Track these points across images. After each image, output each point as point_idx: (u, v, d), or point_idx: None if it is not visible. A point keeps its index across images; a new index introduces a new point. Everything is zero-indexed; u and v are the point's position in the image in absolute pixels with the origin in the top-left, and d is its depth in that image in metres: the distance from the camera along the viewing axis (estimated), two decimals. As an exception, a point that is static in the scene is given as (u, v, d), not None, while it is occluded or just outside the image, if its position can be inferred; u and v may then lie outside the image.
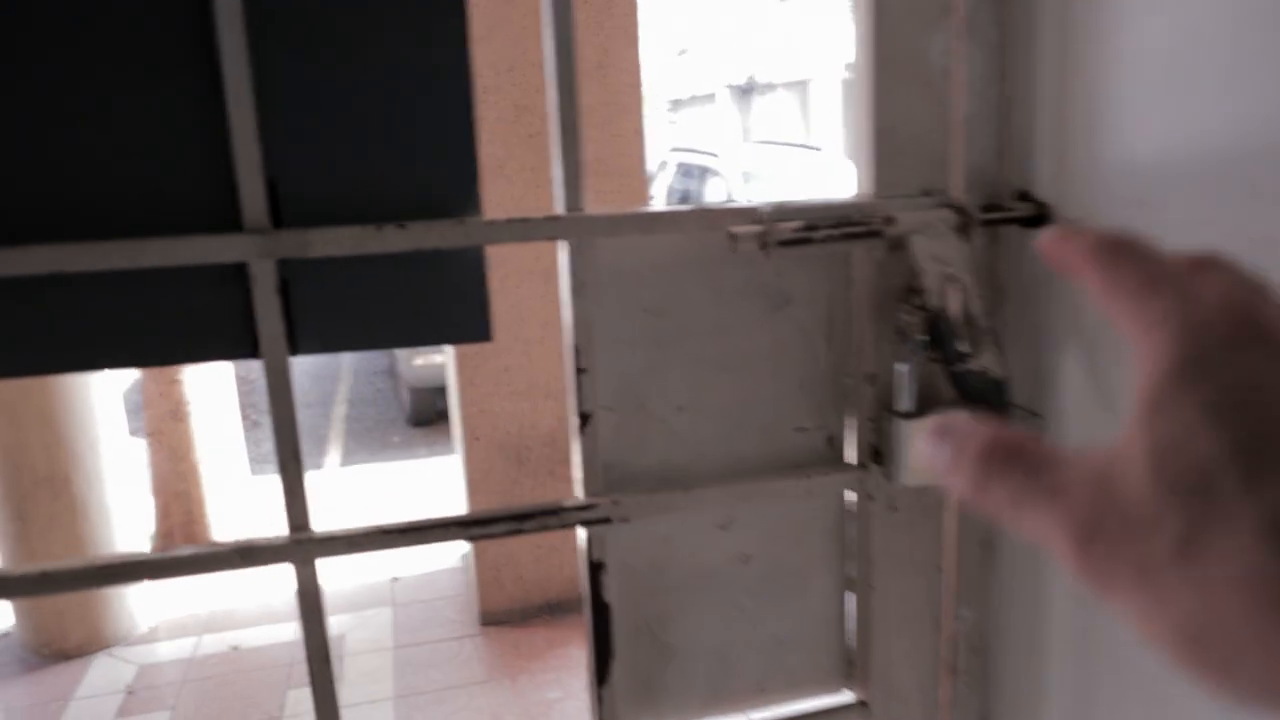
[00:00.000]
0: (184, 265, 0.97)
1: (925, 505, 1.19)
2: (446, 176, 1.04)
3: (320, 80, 1.00)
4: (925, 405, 1.12)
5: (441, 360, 6.71)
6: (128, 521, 4.56)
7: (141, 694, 4.16)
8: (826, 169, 11.15)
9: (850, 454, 1.18)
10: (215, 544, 1.04)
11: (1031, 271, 1.10)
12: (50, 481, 4.29)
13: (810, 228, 1.04)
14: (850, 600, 1.22)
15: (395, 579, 5.04)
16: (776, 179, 10.67)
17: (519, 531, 1.09)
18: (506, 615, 4.58)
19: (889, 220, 1.05)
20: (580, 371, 1.09)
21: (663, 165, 12.01)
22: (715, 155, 11.34)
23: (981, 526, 1.22)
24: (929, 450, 0.48)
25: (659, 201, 11.26)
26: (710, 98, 21.25)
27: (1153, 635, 0.39)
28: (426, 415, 7.95)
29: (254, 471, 5.97)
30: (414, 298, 1.07)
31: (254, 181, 0.98)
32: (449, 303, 1.08)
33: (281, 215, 1.01)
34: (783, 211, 1.06)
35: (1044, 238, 0.49)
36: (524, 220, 1.02)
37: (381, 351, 9.53)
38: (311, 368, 9.90)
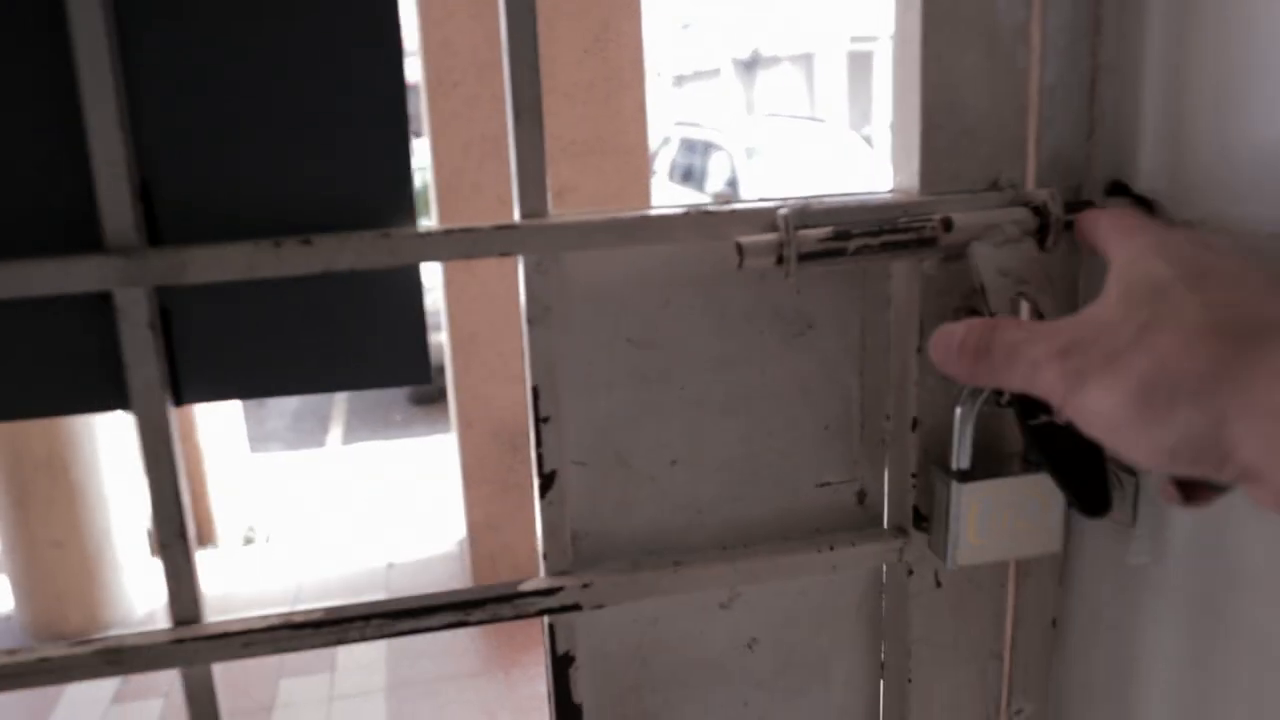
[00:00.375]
0: (32, 297, 0.72)
1: (978, 580, 0.93)
2: (370, 179, 0.78)
3: (205, 54, 0.74)
4: (988, 462, 0.86)
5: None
6: (126, 506, 4.49)
7: (136, 680, 4.04)
8: (832, 142, 10.96)
9: (885, 515, 0.92)
10: (82, 643, 0.78)
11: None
12: (49, 466, 4.24)
13: (842, 235, 0.77)
14: (883, 695, 0.96)
15: (391, 565, 4.93)
16: (781, 154, 10.46)
17: (463, 623, 0.84)
18: (502, 603, 4.37)
19: (945, 224, 0.78)
20: (542, 421, 0.83)
21: (665, 141, 11.80)
22: (719, 130, 11.12)
23: (1049, 601, 0.96)
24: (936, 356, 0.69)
25: (661, 177, 11.07)
26: (714, 72, 20.87)
27: (1110, 406, 0.55)
28: (428, 394, 7.84)
29: (253, 450, 5.88)
30: (330, 333, 0.82)
31: (118, 186, 0.73)
32: (375, 338, 0.83)
33: (159, 230, 0.75)
34: (806, 215, 0.79)
35: (1084, 218, 0.73)
36: (468, 231, 0.76)
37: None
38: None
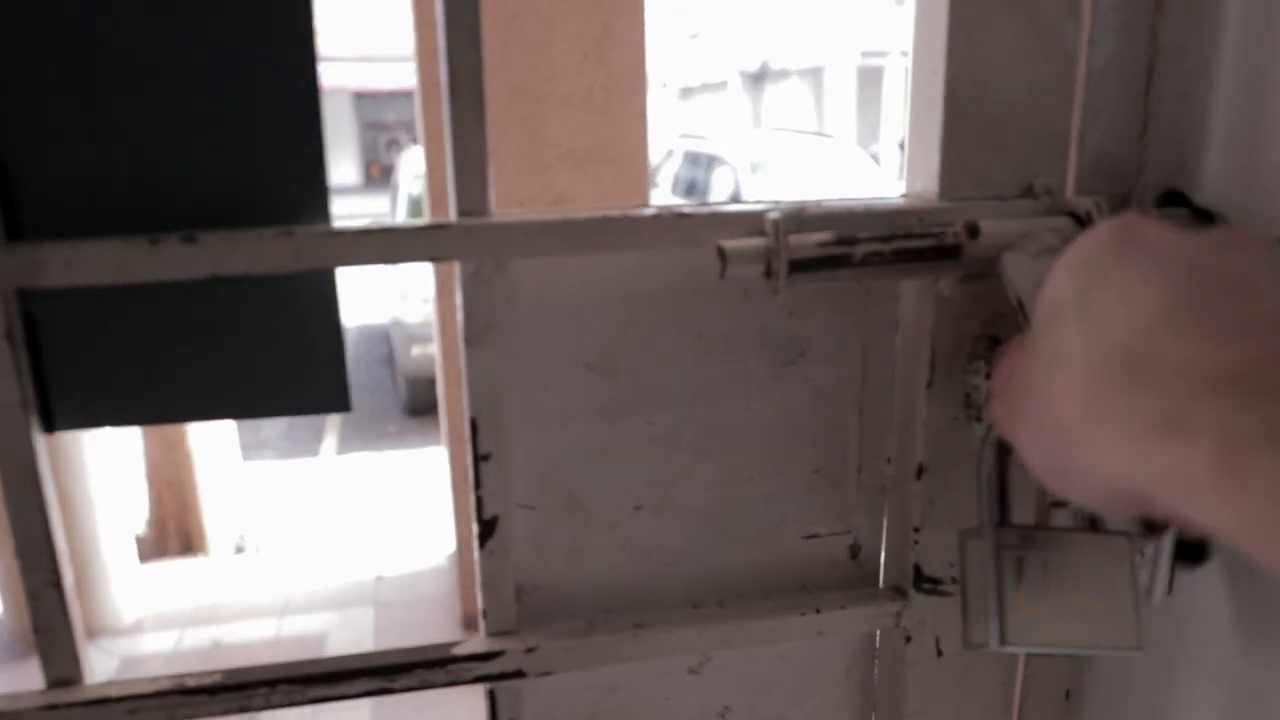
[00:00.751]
0: None
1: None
2: (274, 169, 0.65)
3: (77, 23, 0.61)
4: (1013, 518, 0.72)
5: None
6: (113, 511, 4.39)
7: (123, 687, 3.95)
8: (838, 158, 10.83)
9: (882, 574, 0.79)
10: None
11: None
12: (35, 470, 4.10)
13: (845, 241, 0.64)
14: (876, 777, 0.83)
15: (380, 578, 4.84)
16: (786, 169, 10.34)
17: (386, 690, 0.71)
18: (489, 618, 4.29)
19: (970, 229, 0.64)
20: (482, 458, 0.70)
21: (669, 154, 11.68)
22: (723, 143, 11.00)
23: (1063, 672, 0.82)
24: None
25: (664, 189, 10.97)
26: (722, 85, 20.72)
27: (1026, 455, 0.52)
28: (423, 405, 7.69)
29: (246, 458, 5.74)
30: (228, 351, 0.68)
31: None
32: (283, 358, 0.69)
33: (20, 225, 0.62)
34: (801, 218, 0.65)
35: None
36: (388, 231, 0.63)
37: (379, 340, 9.27)
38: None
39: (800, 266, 0.63)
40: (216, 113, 0.63)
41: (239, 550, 5.14)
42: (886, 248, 0.64)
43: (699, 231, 0.66)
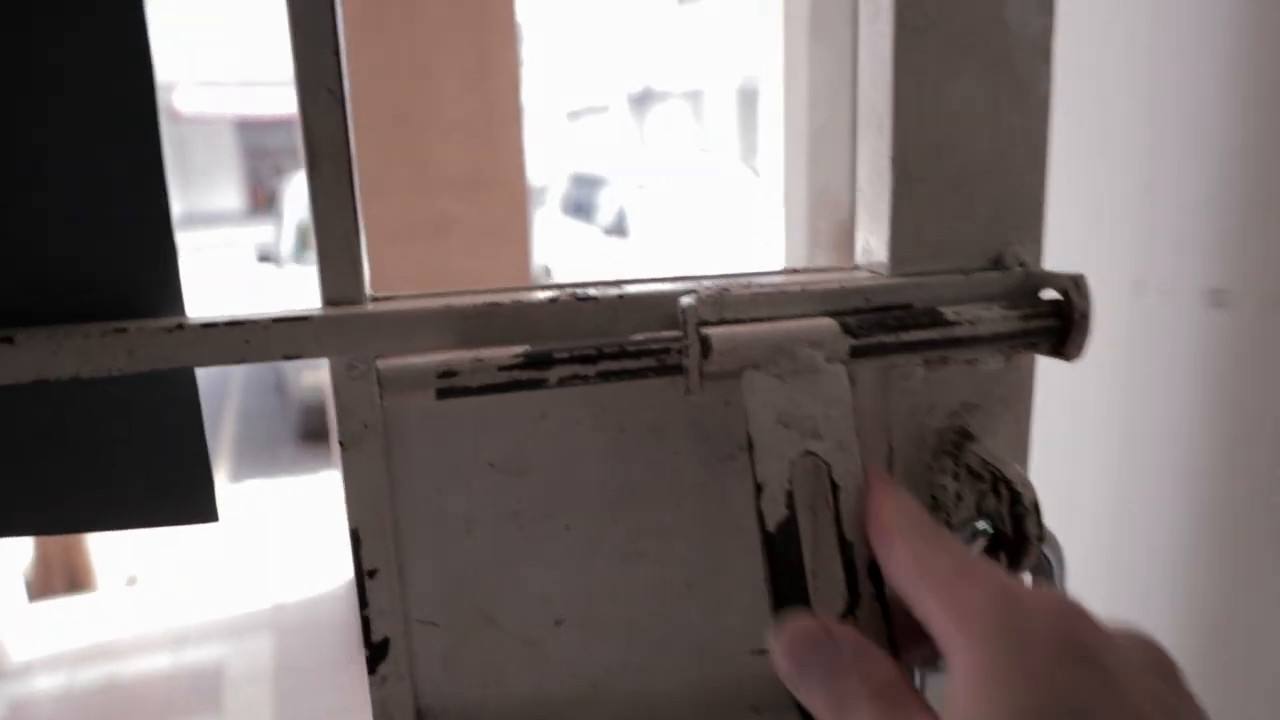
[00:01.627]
0: None
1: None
2: (114, 254, 0.50)
3: None
4: None
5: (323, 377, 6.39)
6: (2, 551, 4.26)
7: None
8: (721, 174, 10.85)
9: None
10: None
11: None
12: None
13: (537, 362, 0.52)
14: None
15: (278, 606, 4.70)
16: (671, 187, 10.33)
17: None
18: (389, 640, 4.25)
19: (934, 318, 0.53)
20: (368, 574, 0.56)
21: (556, 176, 11.62)
22: (609, 164, 10.97)
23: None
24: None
25: (552, 211, 10.91)
26: (606, 108, 20.69)
27: None
28: (315, 431, 7.58)
29: None
30: (72, 458, 0.54)
31: None
32: (137, 466, 0.55)
33: None
34: (723, 302, 0.53)
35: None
36: (239, 325, 0.49)
37: (269, 367, 9.03)
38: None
39: (466, 391, 0.51)
40: (44, 196, 0.49)
41: (131, 583, 4.92)
42: (590, 370, 0.52)
43: (603, 318, 0.54)
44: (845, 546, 0.50)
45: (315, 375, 6.95)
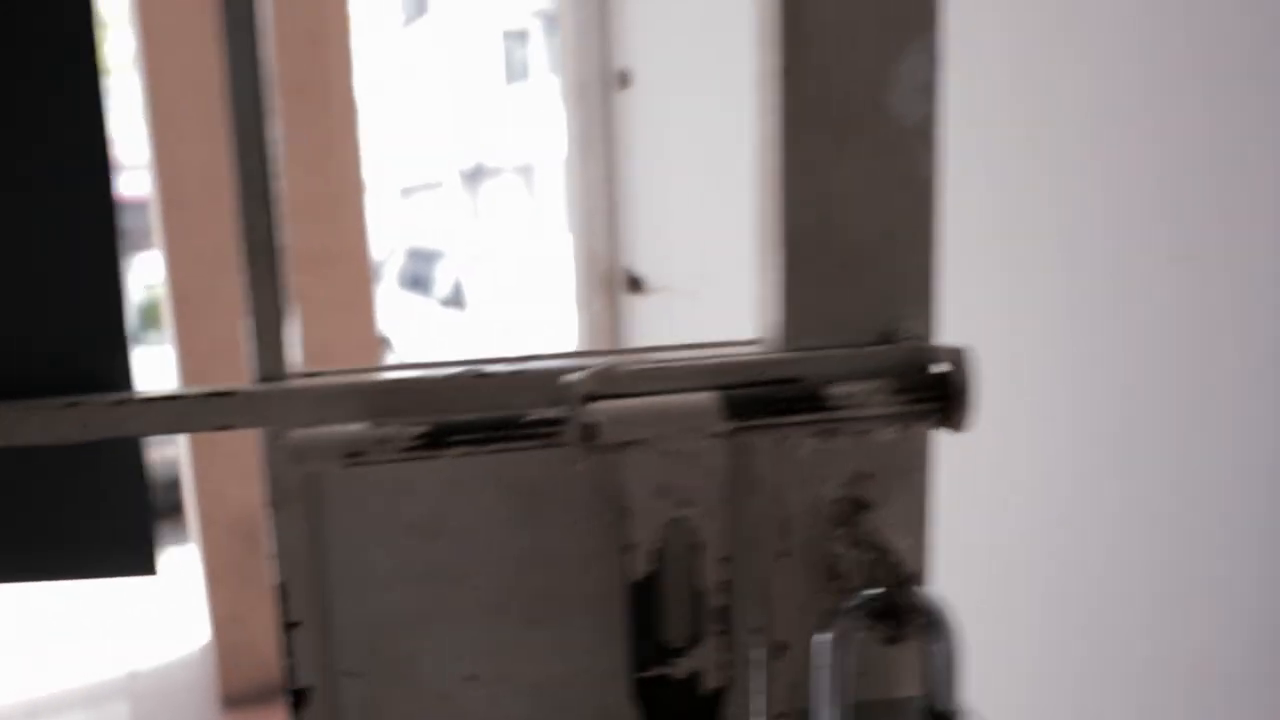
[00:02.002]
0: None
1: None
2: (69, 332, 0.56)
3: None
4: (872, 711, 0.66)
5: (175, 452, 6.14)
6: None
7: None
8: (551, 244, 11.00)
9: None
10: None
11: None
12: None
13: (436, 436, 0.58)
14: None
15: (133, 674, 4.45)
16: (504, 258, 10.44)
17: None
18: (247, 696, 4.15)
19: (817, 402, 0.60)
20: (291, 626, 0.62)
21: (393, 251, 11.60)
22: (443, 238, 11.04)
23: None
24: None
25: (390, 284, 10.87)
26: (439, 184, 20.68)
27: None
28: (166, 506, 7.18)
29: None
30: (22, 514, 0.59)
31: None
32: (84, 522, 0.60)
33: None
34: (610, 378, 0.60)
35: None
36: (174, 399, 0.55)
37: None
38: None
39: (373, 462, 0.58)
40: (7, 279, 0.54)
41: (-19, 655, 4.64)
42: (485, 448, 0.58)
43: (499, 394, 0.62)
44: (696, 595, 0.57)
45: (169, 450, 6.71)
